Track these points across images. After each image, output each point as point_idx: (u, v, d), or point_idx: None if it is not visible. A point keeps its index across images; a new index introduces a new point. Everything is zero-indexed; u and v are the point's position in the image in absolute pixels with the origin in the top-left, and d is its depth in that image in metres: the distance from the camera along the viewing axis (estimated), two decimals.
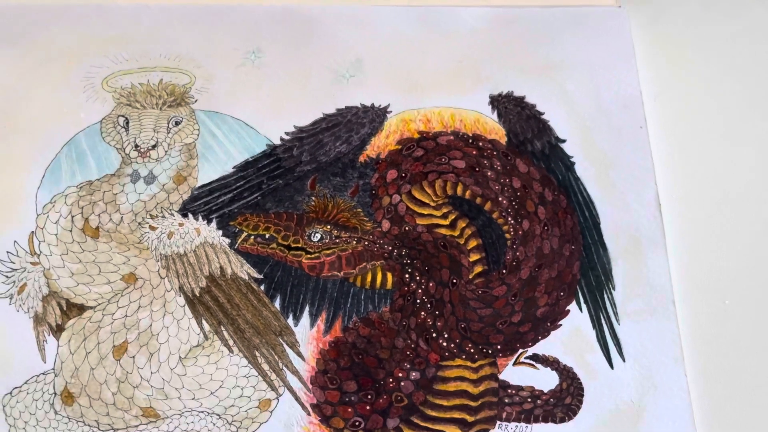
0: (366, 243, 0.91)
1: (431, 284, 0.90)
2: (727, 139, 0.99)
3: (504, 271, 0.90)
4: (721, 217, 0.94)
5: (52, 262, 0.90)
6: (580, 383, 0.87)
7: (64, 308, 0.88)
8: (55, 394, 0.85)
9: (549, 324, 0.89)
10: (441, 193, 0.93)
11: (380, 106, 0.98)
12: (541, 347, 0.88)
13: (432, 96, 0.99)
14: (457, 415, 0.86)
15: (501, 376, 0.88)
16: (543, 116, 0.98)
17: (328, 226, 0.92)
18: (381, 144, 0.96)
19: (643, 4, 1.07)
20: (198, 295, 0.89)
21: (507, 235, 0.92)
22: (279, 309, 0.89)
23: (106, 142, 0.95)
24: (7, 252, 0.90)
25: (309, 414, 0.86)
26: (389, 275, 0.91)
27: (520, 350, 0.88)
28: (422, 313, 0.89)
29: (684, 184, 0.96)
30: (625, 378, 0.87)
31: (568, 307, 0.89)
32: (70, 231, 0.91)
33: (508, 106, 0.98)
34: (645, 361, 0.87)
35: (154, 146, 0.95)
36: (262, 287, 0.90)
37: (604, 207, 0.93)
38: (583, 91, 1.00)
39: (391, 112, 0.98)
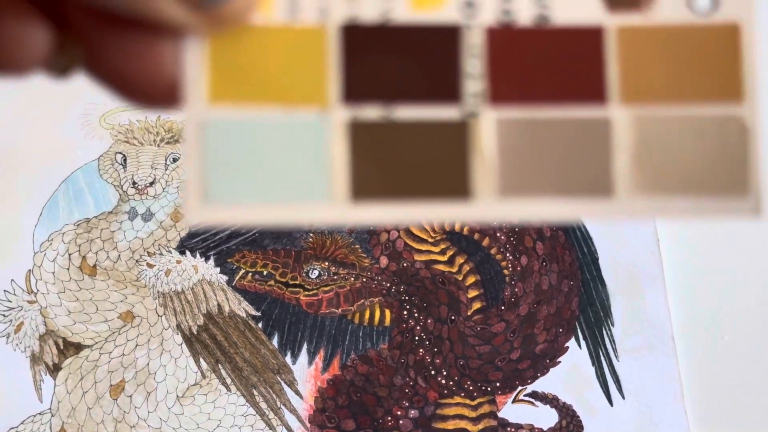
0: (364, 280, 0.91)
1: (429, 321, 0.90)
2: None
3: (502, 308, 0.90)
4: (720, 252, 0.94)
5: (49, 301, 0.90)
6: (580, 421, 0.86)
7: (61, 347, 0.88)
8: None
9: (548, 361, 0.88)
10: (439, 229, 0.93)
11: None
12: (540, 384, 0.88)
13: None
14: None
15: (500, 414, 0.87)
16: None
17: (326, 263, 0.91)
18: None
19: None
20: (196, 333, 0.89)
21: (505, 271, 0.92)
22: (277, 347, 0.89)
23: (103, 180, 0.95)
24: (4, 290, 0.90)
25: None
26: (387, 312, 0.90)
27: (519, 387, 0.88)
28: (421, 350, 0.88)
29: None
30: (625, 415, 0.86)
31: (567, 344, 0.89)
32: (68, 269, 0.91)
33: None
34: (644, 398, 0.86)
35: (151, 183, 0.95)
36: (260, 325, 0.89)
37: (603, 242, 0.93)
38: None
39: None
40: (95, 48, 0.24)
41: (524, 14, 0.26)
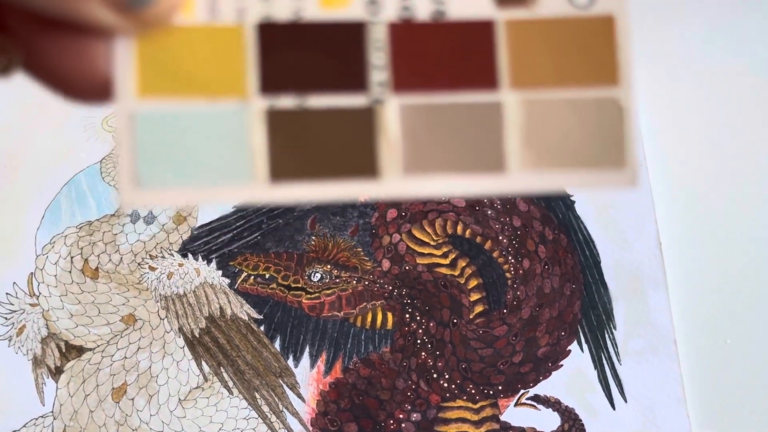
0: (366, 283, 0.91)
1: (432, 324, 0.90)
2: (728, 178, 0.99)
3: (505, 311, 0.90)
4: (722, 256, 0.94)
5: (51, 304, 0.90)
6: (582, 424, 0.86)
7: (63, 350, 0.88)
8: None
9: (550, 364, 0.88)
10: (441, 232, 0.93)
11: None
12: (542, 388, 0.88)
13: None
14: None
15: (502, 418, 0.87)
16: None
17: (329, 266, 0.91)
18: None
19: (641, 41, 1.07)
20: (197, 336, 0.88)
21: (507, 275, 0.92)
22: (279, 350, 0.89)
23: (106, 182, 0.95)
24: (6, 293, 0.90)
25: None
26: (389, 315, 0.90)
27: (522, 391, 0.88)
28: (423, 353, 0.88)
29: (684, 222, 0.96)
30: (627, 418, 0.86)
31: (569, 347, 0.89)
32: (70, 272, 0.91)
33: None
34: (647, 401, 0.86)
35: None
36: (262, 328, 0.89)
37: (605, 245, 0.93)
38: None
39: None
40: (32, 49, 0.26)
41: (422, 10, 0.29)
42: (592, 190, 0.30)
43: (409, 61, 0.29)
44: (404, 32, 0.29)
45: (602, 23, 0.30)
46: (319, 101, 0.29)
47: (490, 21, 0.30)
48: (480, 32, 0.30)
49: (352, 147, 0.29)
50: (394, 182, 0.29)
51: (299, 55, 0.29)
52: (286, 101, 0.29)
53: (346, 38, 0.29)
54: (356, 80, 0.29)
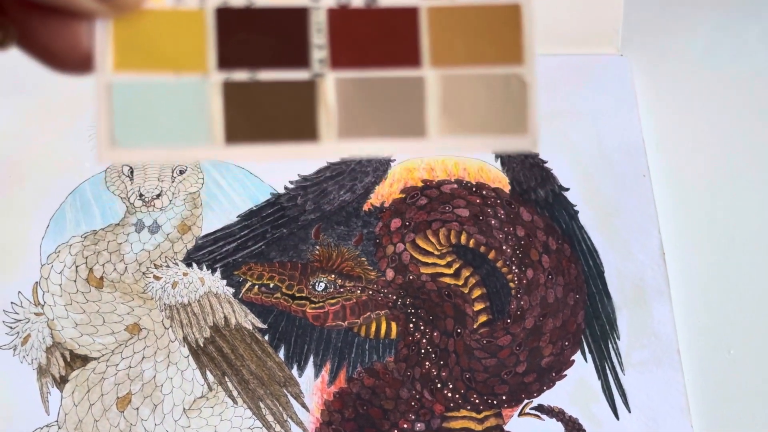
0: (370, 292, 0.91)
1: (436, 334, 0.90)
2: (731, 187, 0.99)
3: (508, 321, 0.90)
4: (726, 266, 0.94)
5: (56, 313, 0.90)
6: None
7: (68, 359, 0.88)
8: None
9: (554, 374, 0.89)
10: (445, 242, 0.93)
11: None
12: (546, 398, 0.88)
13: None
14: None
15: (506, 427, 0.87)
16: (546, 164, 0.99)
17: (333, 276, 0.92)
18: (385, 193, 0.96)
19: (644, 52, 1.08)
20: (202, 345, 0.89)
21: (511, 284, 0.92)
22: (283, 359, 0.89)
23: (110, 192, 0.96)
24: (11, 302, 0.90)
25: None
26: (393, 325, 0.90)
27: (526, 401, 0.88)
28: (427, 363, 0.89)
29: (688, 232, 0.96)
30: (631, 429, 0.86)
31: (573, 357, 0.89)
32: (75, 281, 0.91)
33: (512, 154, 0.99)
34: (651, 411, 0.86)
35: (158, 195, 0.95)
36: (266, 337, 0.90)
37: (608, 256, 0.93)
38: (587, 140, 1.00)
39: (394, 160, 0.98)
40: (26, 29, 0.32)
41: None
42: (499, 152, 0.35)
43: (345, 41, 0.34)
44: (341, 16, 0.34)
45: (510, 11, 0.35)
46: (268, 75, 0.34)
47: (415, 7, 0.35)
48: (406, 17, 0.35)
49: (295, 114, 0.34)
50: (331, 145, 0.34)
51: (251, 36, 0.34)
52: (240, 75, 0.34)
53: (292, 21, 0.34)
54: (299, 57, 0.34)
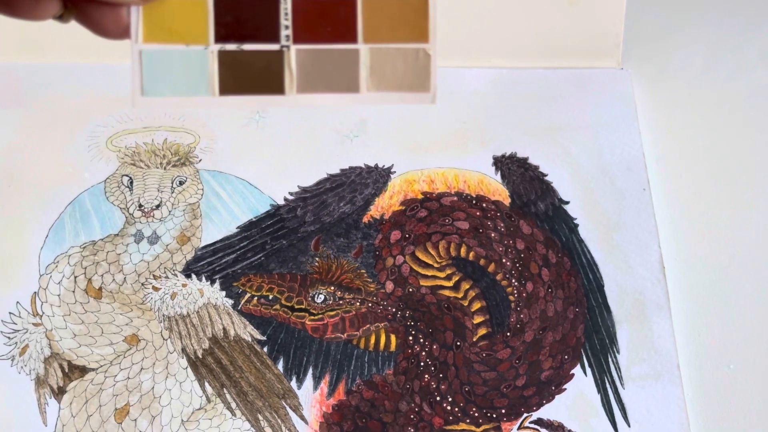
0: (370, 304, 0.91)
1: (435, 346, 0.89)
2: (732, 202, 0.99)
3: (508, 334, 0.90)
4: (726, 281, 0.94)
5: (55, 323, 0.89)
6: None
7: (66, 370, 0.88)
8: None
9: (553, 388, 0.88)
10: (445, 255, 0.93)
11: (384, 166, 0.99)
12: (545, 411, 0.87)
13: (436, 157, 1.00)
14: None
15: None
16: (546, 177, 0.99)
17: (332, 288, 0.91)
18: (385, 205, 0.96)
19: (644, 65, 1.08)
20: (201, 357, 0.88)
21: (511, 297, 0.92)
22: (282, 371, 0.88)
23: (110, 202, 0.95)
24: (10, 313, 0.89)
25: None
26: (393, 337, 0.90)
27: (525, 415, 0.88)
28: (426, 375, 0.88)
29: (688, 247, 0.96)
30: None
31: (572, 371, 0.89)
32: (73, 292, 0.91)
33: (512, 167, 0.99)
34: (650, 426, 0.86)
35: (158, 206, 0.95)
36: (265, 349, 0.89)
37: (608, 269, 0.93)
38: (587, 153, 1.00)
39: (395, 172, 0.98)
40: (84, 11, 0.46)
41: None
42: (409, 104, 0.50)
43: (304, 23, 0.48)
44: (302, 5, 0.48)
45: (420, 3, 0.48)
46: (250, 46, 0.48)
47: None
48: (347, 6, 0.49)
49: (269, 74, 0.48)
50: (293, 97, 0.48)
51: (239, 17, 0.48)
52: (231, 46, 0.48)
53: (267, 7, 0.48)
54: (272, 34, 0.48)
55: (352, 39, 0.49)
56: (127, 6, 0.47)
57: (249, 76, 0.48)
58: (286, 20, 0.48)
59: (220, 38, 0.48)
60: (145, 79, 0.47)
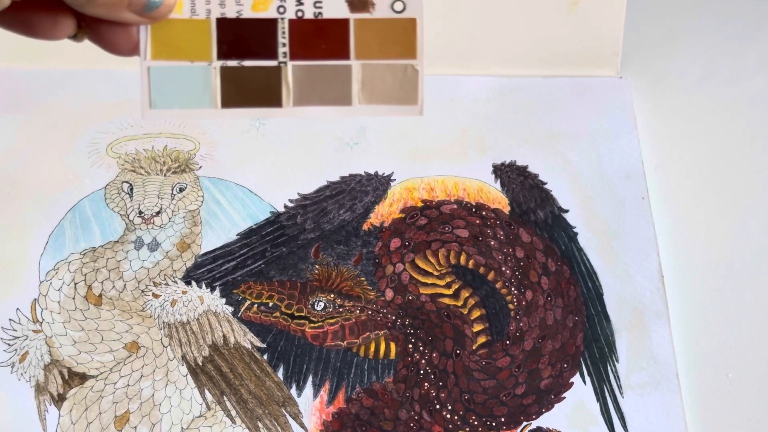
0: (369, 312, 0.91)
1: (435, 354, 0.90)
2: (731, 210, 0.99)
3: (507, 342, 0.90)
4: (725, 289, 0.95)
5: (55, 330, 0.89)
6: None
7: (66, 377, 0.88)
8: None
9: (553, 396, 0.89)
10: (444, 263, 0.94)
11: (384, 174, 0.99)
12: (545, 420, 0.88)
13: (435, 164, 1.00)
14: None
15: None
16: (546, 186, 0.99)
17: (332, 295, 0.92)
18: (384, 212, 0.96)
19: (643, 74, 1.08)
20: (201, 364, 0.88)
21: (510, 306, 0.92)
22: (282, 379, 0.89)
23: (110, 209, 0.95)
24: (10, 319, 0.89)
25: None
26: (393, 345, 0.90)
27: (524, 423, 0.88)
28: (426, 384, 0.88)
29: (687, 255, 0.96)
30: None
31: (571, 380, 0.89)
32: (73, 298, 0.91)
33: (511, 175, 0.99)
34: None
35: (158, 213, 0.95)
36: (265, 357, 0.89)
37: (607, 278, 0.94)
38: (586, 161, 1.01)
39: (394, 180, 0.98)
40: (97, 31, 0.49)
41: (309, 11, 0.51)
42: (398, 116, 0.53)
43: (300, 41, 0.52)
44: (298, 24, 0.51)
45: (409, 22, 0.52)
46: (250, 63, 0.51)
47: (347, 19, 0.52)
48: (340, 25, 0.52)
49: (268, 88, 0.52)
50: (290, 109, 0.52)
51: (240, 36, 0.51)
52: (232, 62, 0.51)
53: (266, 27, 0.51)
54: (270, 51, 0.52)
55: (345, 56, 0.52)
56: (137, 25, 0.50)
57: (249, 90, 0.52)
58: (283, 38, 0.52)
59: (222, 55, 0.52)
60: (153, 93, 0.51)
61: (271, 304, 0.91)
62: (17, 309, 0.90)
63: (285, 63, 0.52)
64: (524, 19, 1.07)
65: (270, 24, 0.52)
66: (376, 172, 0.99)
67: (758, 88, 1.08)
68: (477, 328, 0.91)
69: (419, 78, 0.52)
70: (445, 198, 0.97)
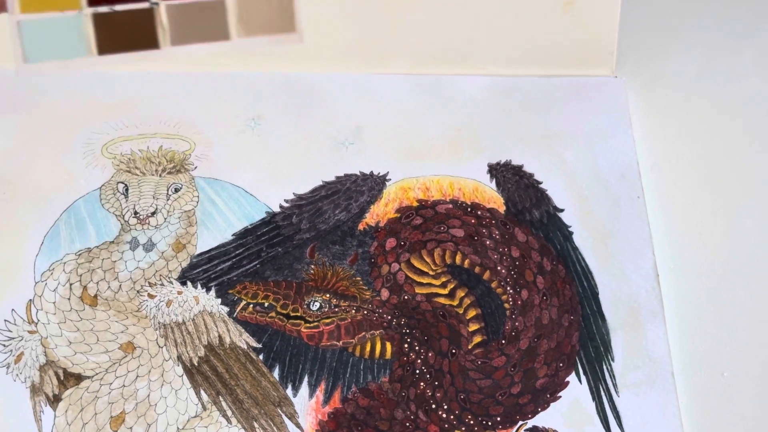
0: (365, 312, 0.91)
1: (430, 354, 0.90)
2: (725, 209, 0.99)
3: (503, 342, 0.90)
4: (719, 288, 0.95)
5: (50, 331, 0.89)
6: None
7: (62, 378, 0.88)
8: None
9: (548, 395, 0.89)
10: (440, 262, 0.93)
11: (379, 173, 0.99)
12: (540, 419, 0.88)
13: (431, 164, 1.00)
14: None
15: None
16: (541, 185, 0.99)
17: (328, 295, 0.92)
18: (380, 212, 0.96)
19: (638, 73, 1.08)
20: (196, 364, 0.88)
21: (506, 305, 0.92)
22: (278, 379, 0.88)
23: (105, 209, 0.95)
24: (5, 320, 0.89)
25: None
26: (388, 345, 0.90)
27: (520, 422, 0.88)
28: (421, 383, 0.88)
29: (682, 254, 0.96)
30: None
31: (567, 379, 0.89)
32: (68, 299, 0.91)
33: (507, 174, 0.99)
34: None
35: (153, 213, 0.95)
36: (261, 357, 0.89)
37: (603, 277, 0.94)
38: (581, 161, 1.01)
39: (390, 180, 0.98)
40: None
41: None
42: (278, 46, 0.53)
43: None
44: None
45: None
46: (122, 7, 0.51)
47: None
48: None
49: (142, 31, 0.52)
50: (168, 49, 0.52)
51: None
52: (103, 8, 0.51)
53: None
54: None
55: None
56: None
57: (124, 35, 0.53)
58: None
59: (93, 2, 0.53)
60: (26, 47, 0.55)
61: (266, 305, 0.91)
62: (12, 310, 0.90)
63: (157, 4, 0.53)
64: (519, 19, 1.07)
65: None
66: (372, 171, 0.99)
67: (753, 87, 1.08)
68: (473, 327, 0.91)
69: (294, 3, 0.54)
70: (440, 197, 0.97)
